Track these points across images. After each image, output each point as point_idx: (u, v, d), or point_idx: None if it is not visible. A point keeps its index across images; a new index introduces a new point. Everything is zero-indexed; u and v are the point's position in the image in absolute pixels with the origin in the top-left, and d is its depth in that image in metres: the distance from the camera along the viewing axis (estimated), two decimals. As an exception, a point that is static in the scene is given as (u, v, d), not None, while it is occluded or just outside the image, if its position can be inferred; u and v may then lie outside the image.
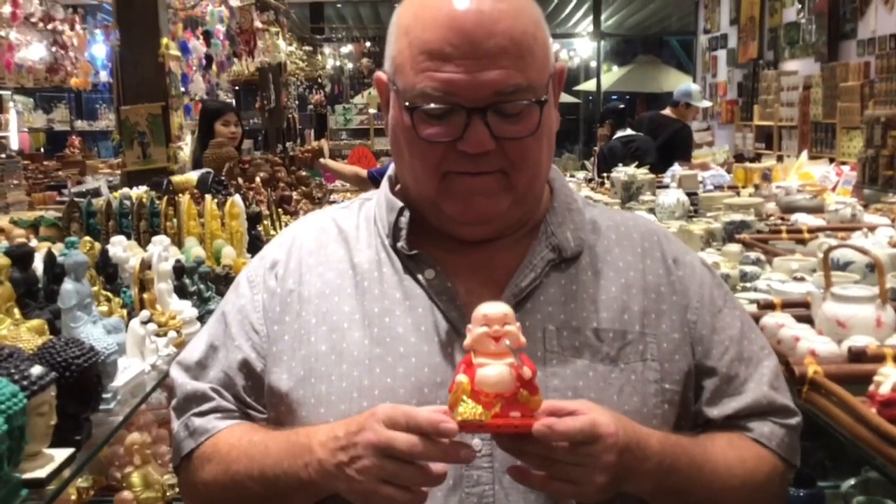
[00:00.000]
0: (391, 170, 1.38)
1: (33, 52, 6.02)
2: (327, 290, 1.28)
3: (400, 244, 1.27)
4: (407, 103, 1.19)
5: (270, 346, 1.28)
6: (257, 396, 1.30)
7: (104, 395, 1.89)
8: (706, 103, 8.17)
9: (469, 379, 1.04)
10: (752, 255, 2.96)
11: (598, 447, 1.06)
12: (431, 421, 1.03)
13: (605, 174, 6.07)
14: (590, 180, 6.67)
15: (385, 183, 1.36)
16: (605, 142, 7.88)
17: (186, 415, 1.32)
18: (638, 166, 5.34)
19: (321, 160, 5.60)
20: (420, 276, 1.25)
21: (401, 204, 1.29)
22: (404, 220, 1.28)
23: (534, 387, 1.05)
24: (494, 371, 1.04)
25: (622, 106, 9.25)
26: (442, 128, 1.17)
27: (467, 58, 1.14)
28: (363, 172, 5.53)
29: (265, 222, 4.25)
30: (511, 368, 1.04)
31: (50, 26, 6.05)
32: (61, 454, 1.57)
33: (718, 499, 1.25)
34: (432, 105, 1.16)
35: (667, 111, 7.96)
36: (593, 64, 17.63)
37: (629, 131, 7.53)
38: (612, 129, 7.87)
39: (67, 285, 1.99)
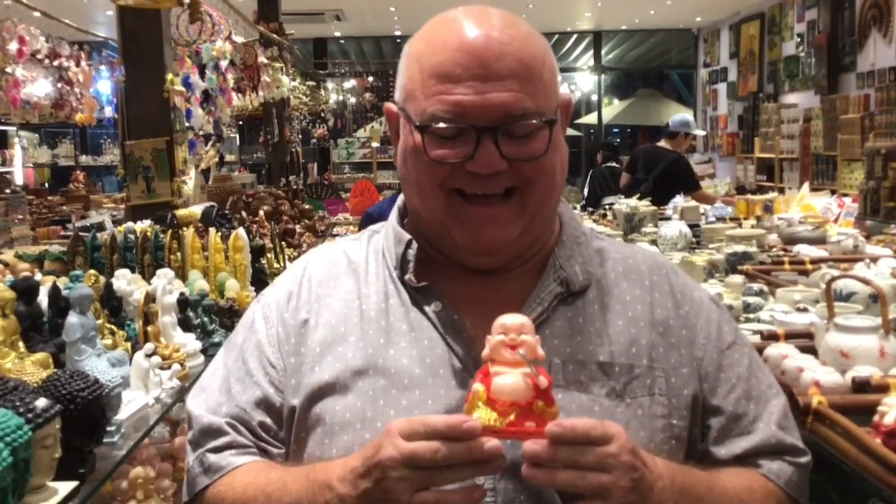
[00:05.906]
0: (400, 200, 1.38)
1: (39, 88, 6.05)
2: (334, 319, 1.28)
3: (407, 276, 1.27)
4: (418, 124, 1.19)
5: (289, 379, 1.27)
6: (275, 432, 1.29)
7: (108, 429, 1.89)
8: (700, 132, 8.94)
9: (485, 387, 1.05)
10: (755, 286, 2.96)
11: (614, 446, 1.04)
12: (450, 424, 1.02)
13: (607, 204, 6.23)
14: (592, 212, 6.69)
15: (393, 215, 1.37)
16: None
17: (201, 449, 1.30)
18: (640, 198, 5.35)
19: None
20: (427, 309, 1.25)
21: (408, 236, 1.30)
22: (412, 252, 1.29)
23: (550, 398, 1.05)
24: (510, 380, 1.04)
25: (616, 142, 13.25)
26: (452, 149, 1.18)
27: (477, 79, 1.15)
28: None
29: (268, 255, 4.26)
30: (527, 378, 1.04)
31: (56, 63, 6.09)
32: (65, 487, 1.57)
33: None
34: (442, 125, 1.17)
35: (663, 143, 7.77)
36: (594, 97, 17.75)
37: (614, 164, 9.87)
38: (604, 159, 10.66)
39: (72, 318, 2.00)
